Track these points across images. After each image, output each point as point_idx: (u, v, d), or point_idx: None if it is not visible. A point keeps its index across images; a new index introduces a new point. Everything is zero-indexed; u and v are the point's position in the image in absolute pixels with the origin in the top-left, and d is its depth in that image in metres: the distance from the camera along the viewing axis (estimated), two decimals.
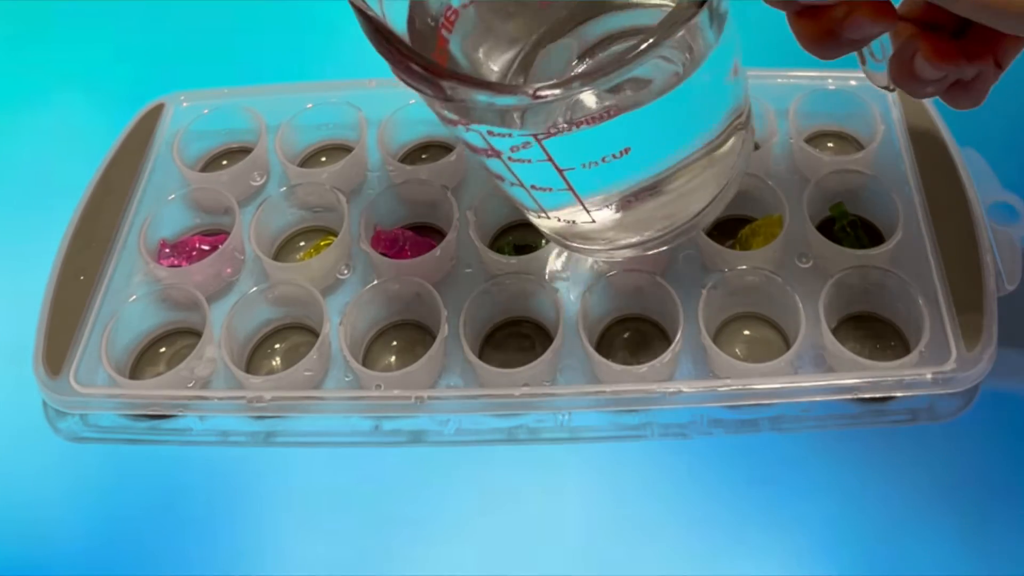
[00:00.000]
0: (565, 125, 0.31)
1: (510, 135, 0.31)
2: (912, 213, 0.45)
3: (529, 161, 0.33)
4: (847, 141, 0.50)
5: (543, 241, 0.47)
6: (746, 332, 0.44)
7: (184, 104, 0.54)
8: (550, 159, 0.32)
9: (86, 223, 0.49)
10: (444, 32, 0.35)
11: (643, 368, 0.41)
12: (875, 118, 0.48)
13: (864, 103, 0.48)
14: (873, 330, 0.43)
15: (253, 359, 0.45)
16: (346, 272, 0.48)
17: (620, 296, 0.44)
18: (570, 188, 0.34)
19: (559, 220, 0.37)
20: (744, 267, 0.43)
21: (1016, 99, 0.52)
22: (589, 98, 0.31)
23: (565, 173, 0.33)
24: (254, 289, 0.45)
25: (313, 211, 0.49)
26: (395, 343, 0.45)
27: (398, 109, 0.51)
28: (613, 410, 0.42)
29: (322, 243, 0.48)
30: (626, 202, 0.35)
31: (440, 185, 0.48)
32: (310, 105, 0.52)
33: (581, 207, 0.35)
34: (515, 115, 0.31)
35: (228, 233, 0.47)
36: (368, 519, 0.41)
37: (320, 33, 0.63)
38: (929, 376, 0.39)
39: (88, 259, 0.47)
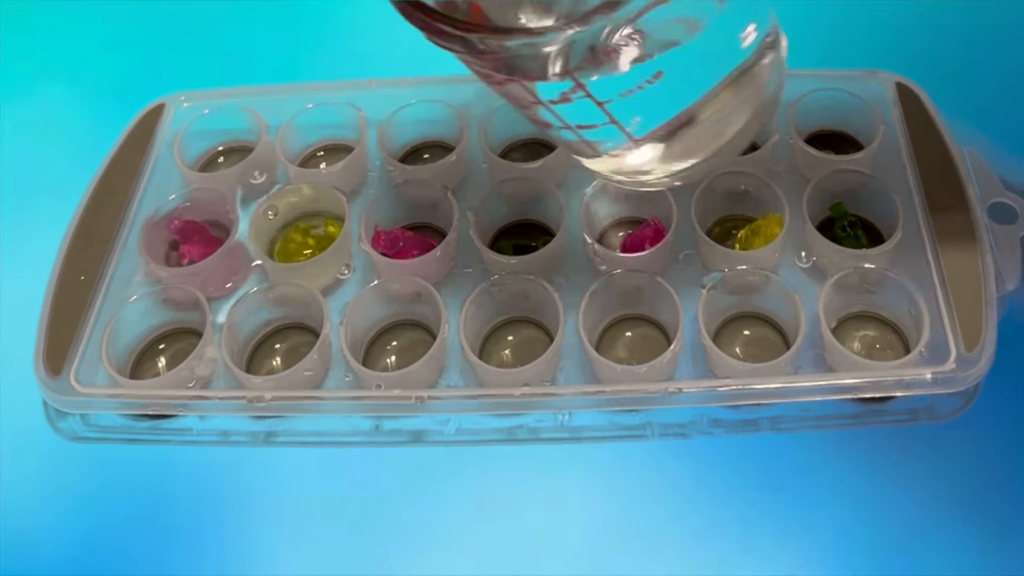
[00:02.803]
0: (599, 57, 0.32)
1: (547, 77, 0.33)
2: (912, 213, 0.45)
3: (570, 100, 0.34)
4: (847, 141, 0.50)
5: (543, 241, 0.47)
6: (746, 332, 0.44)
7: (184, 104, 0.54)
8: (588, 94, 0.34)
9: (86, 223, 0.49)
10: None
11: (643, 368, 0.41)
12: (875, 118, 0.48)
13: (864, 103, 0.48)
14: (873, 330, 0.43)
15: (253, 359, 0.45)
16: (346, 272, 0.48)
17: (620, 296, 0.44)
18: (613, 121, 0.35)
19: (610, 156, 0.39)
20: (744, 267, 0.43)
21: (1016, 99, 0.52)
22: (613, 28, 0.32)
23: (605, 106, 0.34)
24: (254, 289, 0.45)
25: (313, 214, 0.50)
26: (395, 343, 0.45)
27: (398, 109, 0.51)
28: (613, 410, 0.42)
29: (324, 233, 0.48)
30: (667, 129, 0.37)
31: (440, 185, 0.48)
32: (310, 105, 0.52)
33: (627, 138, 0.37)
34: (548, 57, 0.32)
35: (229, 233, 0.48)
36: (364, 525, 0.41)
37: (321, 33, 0.63)
38: (929, 376, 0.39)
39: (88, 259, 0.47)
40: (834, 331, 0.42)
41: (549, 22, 0.35)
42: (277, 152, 0.50)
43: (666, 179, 0.40)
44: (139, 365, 0.45)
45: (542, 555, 0.40)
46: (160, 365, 0.46)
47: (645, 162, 0.39)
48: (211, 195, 0.49)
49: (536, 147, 0.52)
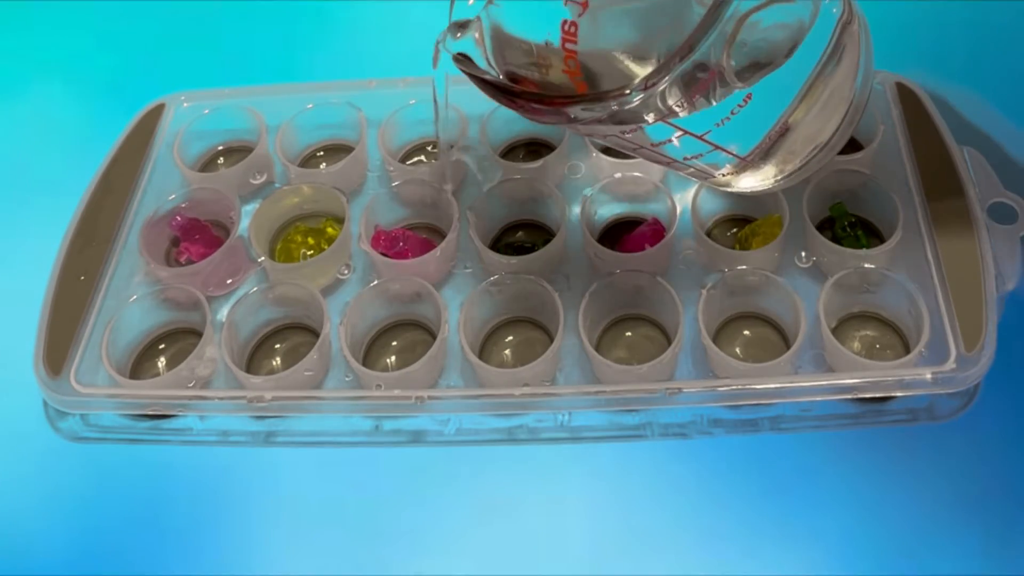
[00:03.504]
0: (691, 98, 0.33)
1: (642, 127, 0.34)
2: (912, 213, 0.45)
3: (671, 140, 0.36)
4: (847, 141, 0.50)
5: (543, 241, 0.47)
6: (746, 332, 0.44)
7: (184, 104, 0.54)
8: (686, 132, 0.35)
9: (86, 223, 0.49)
10: (569, 46, 0.37)
11: (643, 368, 0.41)
12: (875, 118, 0.48)
13: None
14: (873, 330, 0.43)
15: (253, 359, 0.45)
16: (346, 272, 0.48)
17: (620, 296, 0.44)
18: (718, 148, 0.36)
19: (724, 175, 0.39)
20: (744, 267, 0.43)
21: (1016, 99, 0.52)
22: (698, 67, 0.33)
23: (706, 137, 0.35)
24: (254, 289, 0.45)
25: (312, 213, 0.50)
26: (395, 343, 0.45)
27: (398, 109, 0.51)
28: (613, 410, 0.42)
29: (323, 233, 0.48)
30: (768, 143, 0.37)
31: (440, 185, 0.48)
32: (310, 105, 0.52)
33: (734, 158, 0.38)
34: (640, 109, 0.33)
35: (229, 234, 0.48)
36: (363, 527, 0.41)
37: (321, 34, 0.63)
38: (929, 376, 0.39)
39: (88, 259, 0.47)
40: (834, 331, 0.42)
41: (650, 62, 0.36)
42: (277, 152, 0.50)
43: (781, 181, 0.41)
44: (139, 365, 0.46)
45: (542, 557, 0.40)
46: (160, 365, 0.46)
47: (757, 174, 0.40)
48: (211, 195, 0.49)
49: (536, 147, 0.52)
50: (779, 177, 0.40)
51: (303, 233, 0.49)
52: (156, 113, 0.54)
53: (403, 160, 0.52)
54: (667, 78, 0.31)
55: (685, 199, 0.47)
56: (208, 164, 0.54)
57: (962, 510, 0.40)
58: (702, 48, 0.31)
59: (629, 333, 0.45)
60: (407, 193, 0.49)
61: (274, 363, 0.45)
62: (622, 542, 0.40)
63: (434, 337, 0.43)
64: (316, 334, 0.44)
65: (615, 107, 0.32)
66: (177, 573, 0.41)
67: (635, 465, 0.42)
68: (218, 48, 0.63)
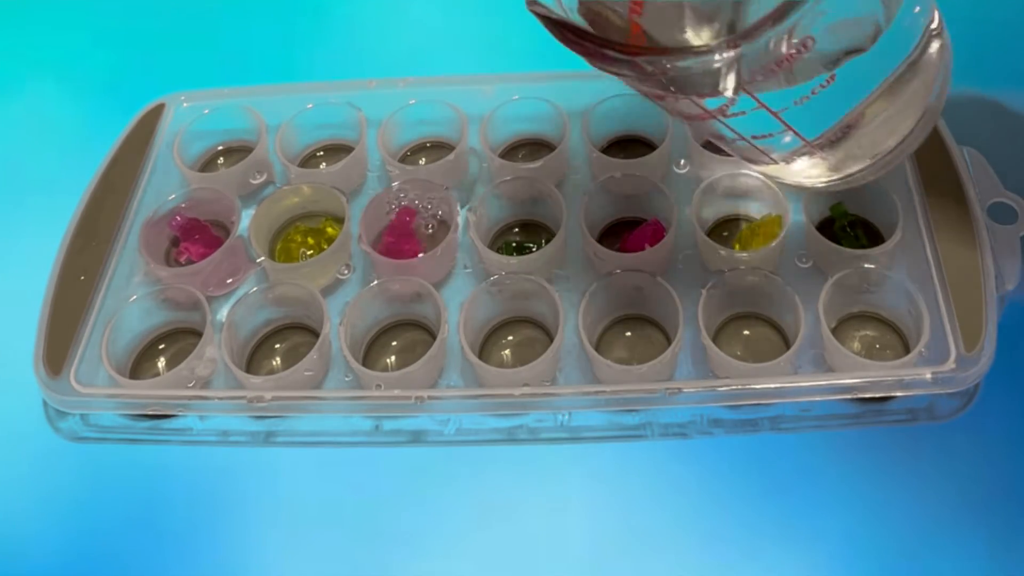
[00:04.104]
0: (771, 68, 0.32)
1: (720, 93, 0.33)
2: (912, 213, 0.45)
3: (744, 113, 0.34)
4: None
5: (543, 241, 0.47)
6: (746, 332, 0.44)
7: (184, 104, 0.54)
8: (762, 105, 0.34)
9: (86, 223, 0.49)
10: (635, 18, 0.36)
11: (643, 368, 0.41)
12: None
13: None
14: (873, 330, 0.43)
15: (253, 359, 0.45)
16: (346, 272, 0.48)
17: (620, 296, 0.44)
18: (789, 128, 0.35)
19: (785, 163, 0.38)
20: (744, 267, 0.43)
21: (1016, 99, 0.52)
22: (785, 38, 0.32)
23: (781, 114, 0.34)
24: (254, 289, 0.45)
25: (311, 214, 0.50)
26: (395, 343, 0.45)
27: (398, 109, 0.51)
28: (613, 410, 0.42)
29: (323, 233, 0.48)
30: (844, 129, 0.36)
31: (440, 185, 0.48)
32: (310, 105, 0.52)
33: (804, 144, 0.36)
34: (719, 74, 0.32)
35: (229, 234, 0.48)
36: (362, 530, 0.41)
37: (321, 34, 0.63)
38: (929, 376, 0.39)
39: (88, 259, 0.47)
40: (834, 331, 0.42)
41: (711, 34, 0.35)
42: (277, 152, 0.50)
43: (837, 181, 0.40)
44: (139, 365, 0.46)
45: (542, 559, 0.40)
46: (160, 365, 0.46)
47: (816, 165, 0.39)
48: (211, 195, 0.49)
49: (536, 147, 0.52)
50: (834, 176, 0.39)
51: (303, 233, 0.49)
52: (156, 113, 0.54)
53: (403, 160, 0.52)
54: (755, 41, 0.30)
55: (685, 199, 0.47)
56: (208, 164, 0.54)
57: (962, 510, 0.40)
58: (795, 14, 0.30)
59: (629, 333, 0.45)
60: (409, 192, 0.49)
61: (274, 363, 0.45)
62: (622, 543, 0.40)
63: (434, 337, 0.43)
64: (316, 334, 0.44)
65: (692, 66, 0.31)
66: (177, 573, 0.41)
67: (635, 466, 0.42)
68: (218, 48, 0.63)
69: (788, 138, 0.36)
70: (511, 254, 0.46)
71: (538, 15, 0.35)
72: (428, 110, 0.52)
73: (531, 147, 0.52)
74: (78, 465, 0.44)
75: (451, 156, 0.49)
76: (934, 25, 0.37)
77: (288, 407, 0.42)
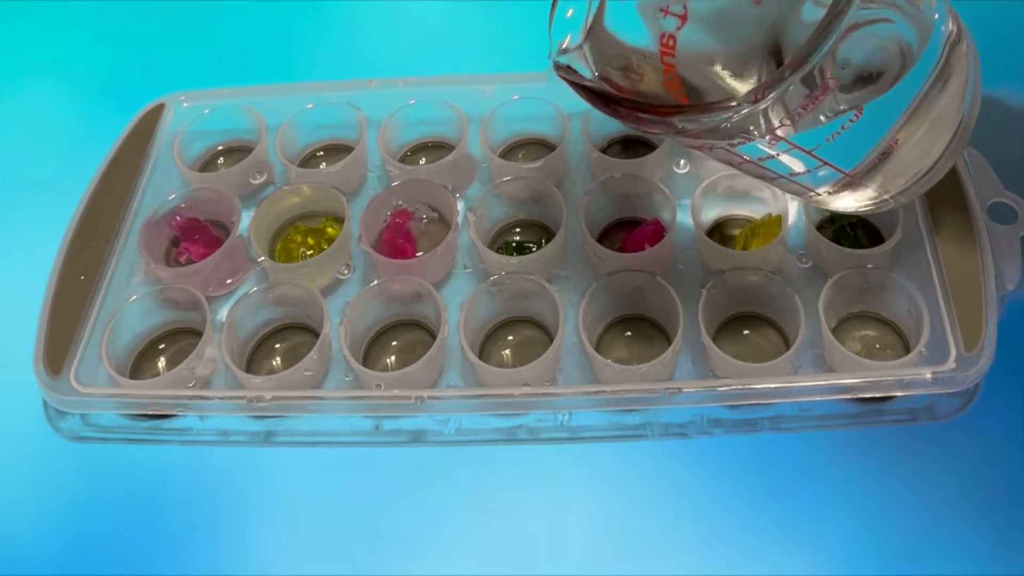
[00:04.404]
0: (798, 112, 0.33)
1: (750, 140, 0.34)
2: (912, 213, 0.45)
3: (778, 155, 0.35)
4: None
5: (543, 241, 0.47)
6: (746, 332, 0.44)
7: (184, 104, 0.54)
8: (795, 146, 0.34)
9: (86, 223, 0.49)
10: (667, 59, 0.36)
11: (643, 368, 0.41)
12: None
13: None
14: (873, 330, 0.43)
15: (253, 359, 0.45)
16: (346, 272, 0.48)
17: (620, 296, 0.44)
18: (825, 163, 0.36)
19: (828, 193, 0.39)
20: (744, 267, 0.43)
21: (1016, 99, 0.52)
22: (807, 81, 0.32)
23: (815, 152, 0.35)
24: (254, 289, 0.45)
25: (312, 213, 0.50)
26: (395, 343, 0.45)
27: (398, 109, 0.51)
28: (613, 410, 0.42)
29: (323, 233, 0.48)
30: (880, 156, 0.37)
31: (440, 185, 0.48)
32: (310, 105, 0.52)
33: (842, 175, 0.37)
34: (747, 122, 0.33)
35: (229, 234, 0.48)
36: (362, 531, 0.41)
37: (321, 34, 0.63)
38: (929, 376, 0.39)
39: (88, 259, 0.47)
40: (834, 331, 0.42)
41: (749, 78, 0.36)
42: (277, 152, 0.50)
43: (884, 201, 0.40)
44: (139, 365, 0.46)
45: (543, 560, 0.40)
46: (160, 365, 0.46)
47: (857, 194, 0.39)
48: (211, 195, 0.49)
49: (536, 147, 0.52)
50: (879, 199, 0.39)
51: (303, 233, 0.49)
52: (156, 113, 0.54)
53: (403, 160, 0.52)
54: (778, 90, 0.31)
55: (685, 199, 0.47)
56: (208, 164, 0.54)
57: (962, 510, 0.40)
58: (815, 60, 0.30)
59: (629, 333, 0.45)
60: (407, 193, 0.49)
61: (274, 363, 0.45)
62: (623, 543, 0.40)
63: (434, 337, 0.43)
64: (316, 334, 0.44)
65: (721, 120, 0.32)
66: (177, 574, 0.41)
67: (636, 466, 0.42)
68: (218, 48, 0.63)
69: (823, 172, 0.37)
70: (511, 254, 0.46)
71: (567, 80, 0.36)
72: (428, 110, 0.52)
73: (531, 147, 0.52)
74: (78, 465, 0.44)
75: (451, 156, 0.49)
76: (955, 35, 0.37)
77: (288, 407, 0.42)
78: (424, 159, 0.52)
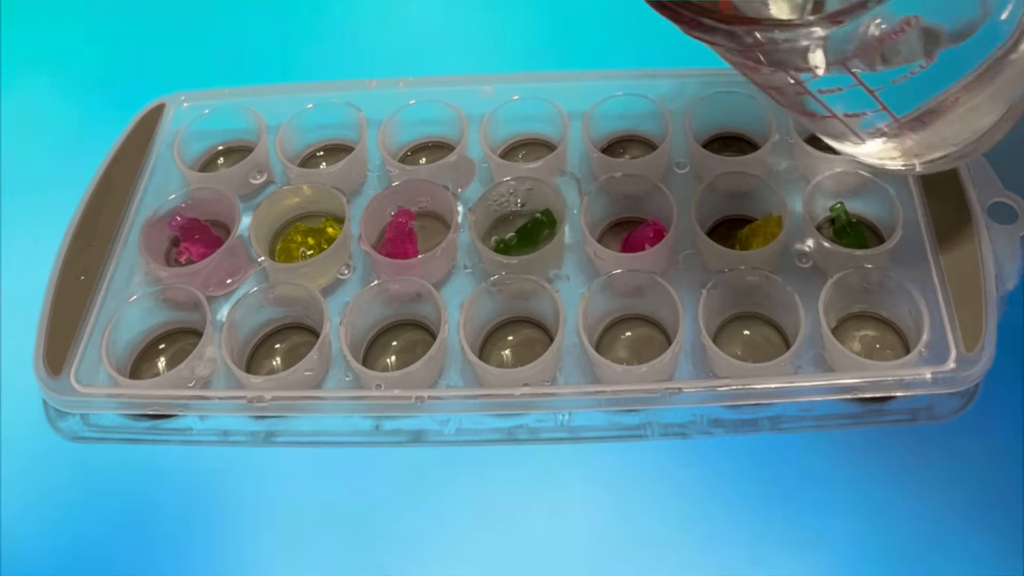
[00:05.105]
0: (872, 45, 0.31)
1: (815, 67, 0.32)
2: (912, 213, 0.45)
3: (840, 89, 0.33)
4: None
5: (543, 241, 0.47)
6: (746, 332, 0.44)
7: (184, 104, 0.54)
8: (860, 83, 0.33)
9: (86, 223, 0.49)
10: None
11: (643, 368, 0.41)
12: None
13: None
14: (873, 330, 0.43)
15: (253, 359, 0.45)
16: (346, 272, 0.48)
17: (620, 296, 0.44)
18: (884, 108, 0.34)
19: (874, 142, 0.37)
20: (744, 267, 0.43)
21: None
22: (887, 12, 0.31)
23: (877, 93, 0.33)
24: (254, 289, 0.45)
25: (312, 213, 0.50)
26: (395, 343, 0.45)
27: (398, 109, 0.51)
28: (613, 410, 0.42)
29: (323, 233, 0.48)
30: (927, 114, 0.35)
31: (440, 185, 0.48)
32: (310, 105, 0.52)
33: (895, 124, 0.36)
34: (816, 47, 0.31)
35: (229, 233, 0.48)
36: (361, 533, 0.41)
37: (321, 33, 0.63)
38: (929, 376, 0.39)
39: (88, 259, 0.47)
40: (834, 331, 0.42)
41: (792, 8, 0.34)
42: (277, 152, 0.50)
43: (914, 166, 0.39)
44: (139, 365, 0.46)
45: (543, 562, 0.40)
46: (160, 365, 0.46)
47: (894, 148, 0.38)
48: (211, 195, 0.49)
49: (536, 147, 0.52)
50: (912, 161, 0.38)
51: (303, 233, 0.49)
52: (156, 113, 0.54)
53: (403, 160, 0.52)
54: (859, 16, 0.29)
55: (685, 199, 0.47)
56: (208, 164, 0.54)
57: (962, 510, 0.40)
58: None
59: (630, 333, 0.45)
60: (407, 193, 0.48)
61: (274, 363, 0.45)
62: (623, 543, 0.40)
63: (434, 337, 0.43)
64: (316, 334, 0.44)
65: (793, 37, 0.30)
66: (177, 574, 0.41)
67: (636, 466, 0.42)
68: (218, 48, 0.63)
69: (871, 115, 0.35)
70: (511, 254, 0.46)
71: None
72: (428, 110, 0.52)
73: (531, 147, 0.52)
74: (78, 465, 0.44)
75: (451, 156, 0.49)
76: None
77: (288, 407, 0.42)
78: (424, 159, 0.52)
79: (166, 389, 0.43)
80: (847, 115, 0.36)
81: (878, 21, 0.31)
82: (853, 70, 0.32)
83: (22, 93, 0.62)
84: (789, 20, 0.31)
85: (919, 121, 0.36)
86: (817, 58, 0.32)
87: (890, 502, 0.40)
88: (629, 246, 0.45)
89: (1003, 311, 0.41)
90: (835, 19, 0.30)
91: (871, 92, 0.34)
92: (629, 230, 0.47)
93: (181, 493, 0.43)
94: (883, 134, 0.37)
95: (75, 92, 0.61)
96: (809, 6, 0.34)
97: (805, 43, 0.31)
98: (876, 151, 0.38)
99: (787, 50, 0.31)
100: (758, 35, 0.31)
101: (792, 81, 0.34)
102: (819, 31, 0.30)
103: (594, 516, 0.41)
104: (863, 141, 0.38)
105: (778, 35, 0.31)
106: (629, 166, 0.48)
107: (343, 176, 0.50)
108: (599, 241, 0.46)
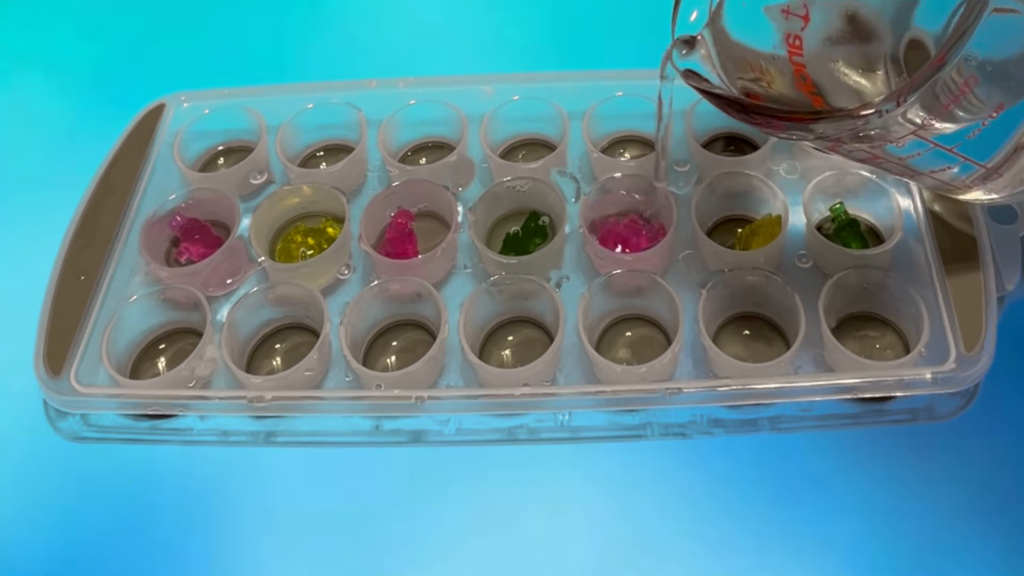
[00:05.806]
0: (938, 111, 0.32)
1: (890, 141, 0.33)
2: (912, 213, 0.45)
3: (919, 154, 0.35)
4: None
5: (543, 241, 0.47)
6: (746, 332, 0.44)
7: (184, 104, 0.54)
8: (936, 145, 0.34)
9: (86, 223, 0.49)
10: (796, 59, 0.36)
11: (643, 368, 0.41)
12: None
13: None
14: (873, 330, 0.43)
15: (253, 359, 0.45)
16: (346, 272, 0.48)
17: (620, 296, 0.44)
18: (967, 159, 0.35)
19: (972, 187, 0.38)
20: (744, 267, 0.43)
21: None
22: (948, 78, 0.32)
23: (956, 149, 0.35)
24: (254, 289, 0.45)
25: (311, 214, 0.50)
26: (395, 343, 0.45)
27: (398, 109, 0.51)
28: (613, 410, 0.42)
29: (323, 233, 0.48)
30: (1014, 148, 0.36)
31: (440, 185, 0.48)
32: (310, 105, 0.52)
33: (983, 170, 0.36)
34: (888, 124, 0.32)
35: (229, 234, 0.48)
36: (360, 536, 0.41)
37: (320, 33, 0.63)
38: (929, 376, 0.39)
39: (88, 259, 0.47)
40: (834, 331, 0.41)
41: (877, 73, 0.35)
42: (277, 152, 0.50)
43: (1017, 194, 0.40)
44: (139, 365, 0.46)
45: (543, 563, 0.40)
46: (160, 365, 0.46)
47: (992, 185, 0.39)
48: (211, 195, 0.49)
49: (536, 147, 0.52)
50: (1016, 190, 0.39)
51: (303, 233, 0.49)
52: (156, 113, 0.54)
53: (403, 160, 0.52)
54: (918, 92, 0.30)
55: (685, 199, 0.47)
56: (208, 164, 0.54)
57: (962, 510, 0.40)
58: (954, 59, 0.30)
59: (629, 333, 0.45)
60: (407, 193, 0.49)
61: (274, 363, 0.45)
62: (623, 543, 0.40)
63: (434, 337, 0.43)
64: (316, 334, 0.44)
65: (860, 124, 0.32)
66: (177, 574, 0.41)
67: (636, 466, 0.42)
68: (218, 48, 0.63)
69: (957, 168, 0.37)
70: (511, 254, 0.46)
71: (698, 90, 0.36)
72: (428, 110, 0.52)
73: (531, 147, 0.52)
74: (78, 465, 0.44)
75: (451, 156, 0.49)
76: None
77: (288, 407, 0.42)
78: (424, 159, 0.53)
79: (166, 389, 0.43)
80: (933, 171, 0.37)
81: (941, 86, 0.31)
82: (928, 136, 0.33)
83: (17, 90, 0.62)
84: (854, 109, 0.32)
85: (1007, 157, 0.36)
86: (891, 133, 0.33)
87: (890, 502, 0.40)
88: (629, 246, 0.45)
89: (1003, 311, 0.41)
90: (896, 98, 0.31)
91: (949, 150, 0.35)
92: (629, 230, 0.47)
93: (181, 494, 0.43)
94: (980, 176, 0.37)
95: (71, 90, 0.61)
96: (887, 61, 0.35)
97: (872, 125, 0.32)
98: (980, 193, 0.39)
99: (857, 131, 0.33)
100: (830, 126, 0.32)
101: (873, 155, 0.35)
102: (884, 111, 0.31)
103: (594, 516, 0.41)
104: (968, 190, 0.39)
105: (845, 124, 0.32)
106: (630, 166, 0.48)
107: (343, 176, 0.50)
108: (599, 241, 0.46)
